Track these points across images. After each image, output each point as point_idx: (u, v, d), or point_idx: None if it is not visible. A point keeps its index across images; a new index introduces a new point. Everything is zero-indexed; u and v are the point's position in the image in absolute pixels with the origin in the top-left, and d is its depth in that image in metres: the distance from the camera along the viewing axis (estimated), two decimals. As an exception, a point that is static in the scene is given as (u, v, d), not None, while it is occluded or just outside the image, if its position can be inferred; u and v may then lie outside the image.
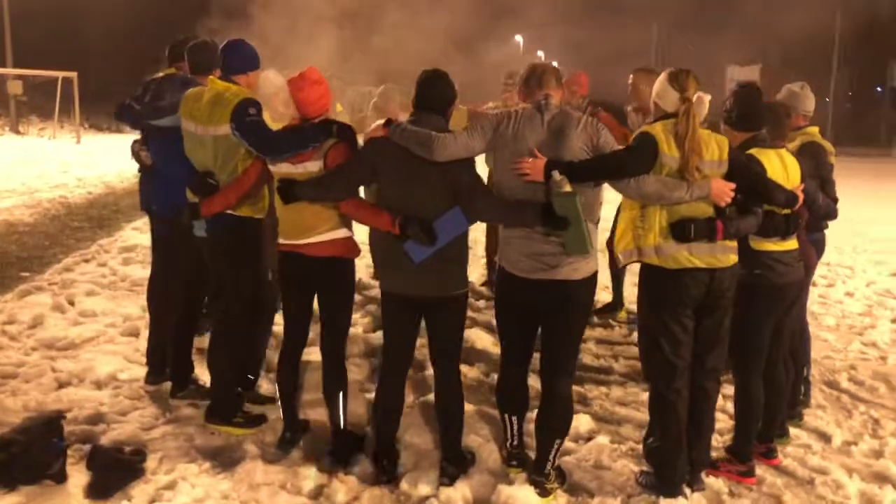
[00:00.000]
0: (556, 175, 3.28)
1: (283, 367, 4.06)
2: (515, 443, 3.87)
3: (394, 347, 3.73)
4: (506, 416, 3.83)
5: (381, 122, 3.63)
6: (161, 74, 4.75)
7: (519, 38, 72.71)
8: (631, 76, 5.97)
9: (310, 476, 3.78)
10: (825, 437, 4.39)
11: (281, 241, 3.90)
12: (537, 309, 3.53)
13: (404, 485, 3.70)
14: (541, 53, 70.04)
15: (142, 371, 4.97)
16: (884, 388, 5.19)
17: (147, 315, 5.12)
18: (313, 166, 3.74)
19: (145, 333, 5.60)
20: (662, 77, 3.59)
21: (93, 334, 5.72)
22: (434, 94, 3.58)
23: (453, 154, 3.40)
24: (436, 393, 3.79)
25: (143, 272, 7.41)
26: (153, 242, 4.99)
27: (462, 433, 3.84)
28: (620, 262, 3.65)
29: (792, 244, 3.82)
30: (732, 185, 3.48)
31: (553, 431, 3.62)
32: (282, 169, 3.82)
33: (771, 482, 3.87)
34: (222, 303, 4.25)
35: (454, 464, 3.77)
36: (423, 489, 3.67)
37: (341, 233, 3.82)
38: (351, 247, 3.86)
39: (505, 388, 3.80)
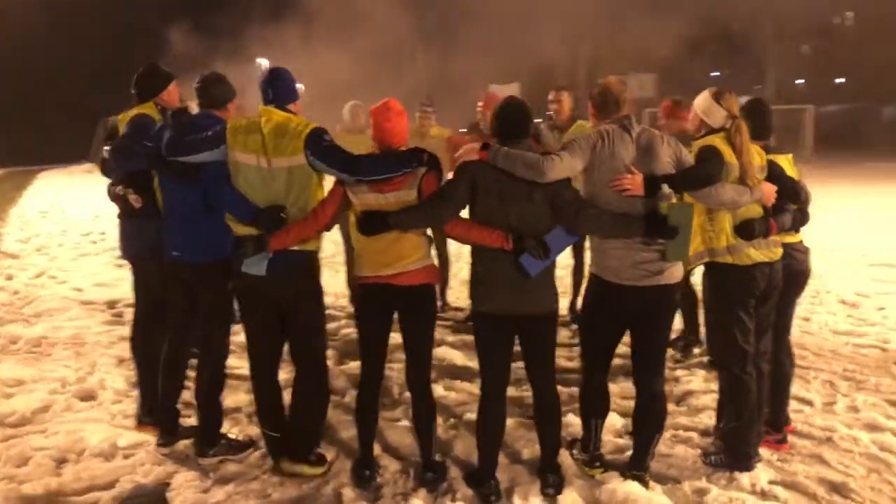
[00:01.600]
0: (667, 188, 3.58)
1: (363, 402, 3.96)
2: (598, 445, 4.08)
3: (495, 368, 3.79)
4: (592, 421, 4.03)
5: (476, 145, 3.69)
6: (139, 111, 4.41)
7: (263, 61, 72.96)
8: (553, 93, 6.45)
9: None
10: (808, 402, 5.05)
11: (364, 274, 3.82)
12: (635, 314, 3.78)
13: (517, 501, 3.78)
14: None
15: (139, 435, 4.53)
16: (811, 356, 6.03)
17: (91, 374, 4.98)
18: (407, 195, 3.71)
19: (105, 395, 5.15)
20: (707, 96, 4.02)
21: (41, 404, 5.06)
22: (519, 121, 3.72)
23: (560, 174, 3.57)
24: (536, 407, 3.89)
25: (31, 331, 6.66)
26: (145, 290, 4.60)
27: (560, 444, 3.99)
28: (690, 263, 4.01)
29: (800, 236, 4.40)
30: (775, 187, 3.98)
31: (654, 428, 3.89)
32: (367, 199, 3.74)
33: (801, 445, 4.42)
34: (299, 345, 4.03)
35: (555, 473, 3.91)
36: (535, 502, 3.77)
37: (429, 260, 3.83)
38: (436, 273, 3.88)
39: (591, 394, 4.00)
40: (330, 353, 6.05)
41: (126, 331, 6.56)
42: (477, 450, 3.90)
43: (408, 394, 4.93)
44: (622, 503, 3.73)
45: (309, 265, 3.94)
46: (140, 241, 4.52)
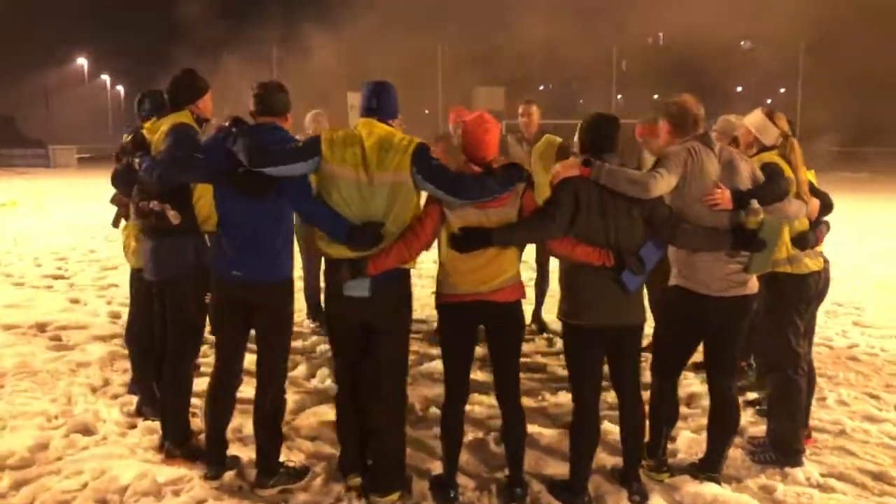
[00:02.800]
0: (755, 203, 3.77)
1: (449, 421, 3.89)
2: (665, 451, 4.22)
3: (592, 381, 3.83)
4: (662, 428, 4.16)
5: (576, 160, 3.73)
6: (179, 120, 4.12)
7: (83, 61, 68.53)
8: (523, 107, 6.61)
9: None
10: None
11: (457, 291, 3.74)
12: (717, 324, 3.95)
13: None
14: (105, 77, 66.86)
15: (174, 469, 4.20)
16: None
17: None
18: (508, 213, 3.69)
19: (106, 428, 4.82)
20: (761, 115, 4.27)
21: (35, 442, 4.55)
22: (610, 135, 3.80)
23: (662, 191, 3.68)
24: (623, 417, 3.96)
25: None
26: (177, 317, 4.28)
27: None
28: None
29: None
30: (818, 202, 4.31)
31: (730, 431, 4.08)
32: (468, 217, 3.68)
33: (822, 438, 4.77)
34: (380, 366, 3.87)
35: (638, 481, 4.00)
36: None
37: (520, 275, 3.83)
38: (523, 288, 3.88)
39: (664, 402, 4.13)
40: (303, 369, 5.89)
41: (78, 356, 6.14)
42: (570, 463, 3.92)
43: (434, 410, 4.94)
44: (711, 504, 3.88)
45: (408, 283, 3.83)
46: (177, 261, 4.20)
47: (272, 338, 3.99)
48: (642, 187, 3.62)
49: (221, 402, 4.13)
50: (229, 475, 4.15)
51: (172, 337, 4.30)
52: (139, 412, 4.96)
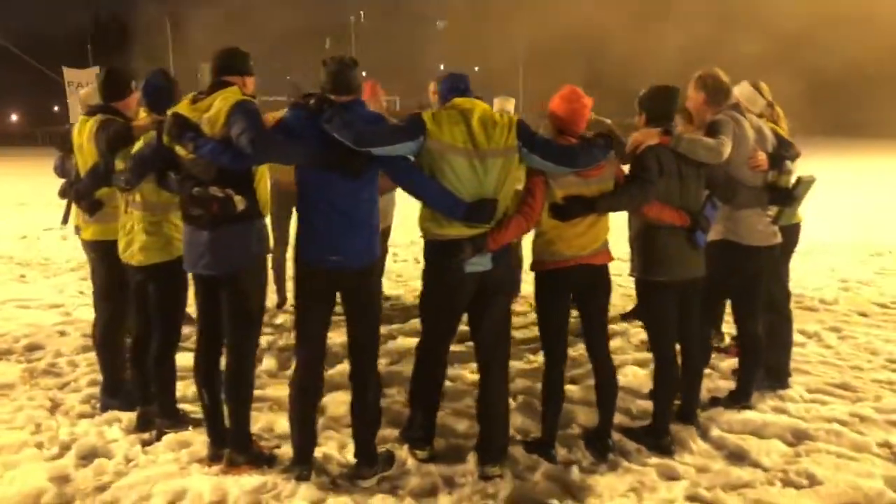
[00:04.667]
0: (789, 164, 4.35)
1: (552, 385, 4.06)
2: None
3: (672, 332, 4.18)
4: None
5: (654, 130, 4.01)
6: (240, 97, 3.77)
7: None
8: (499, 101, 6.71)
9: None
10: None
11: (561, 256, 3.89)
12: (756, 271, 4.49)
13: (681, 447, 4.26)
14: None
15: (249, 479, 3.90)
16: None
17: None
18: (608, 180, 3.89)
19: (120, 450, 4.26)
20: (748, 86, 4.85)
21: (49, 475, 3.93)
22: (672, 105, 4.15)
23: (727, 155, 4.11)
24: (686, 366, 4.34)
25: None
26: (237, 310, 3.93)
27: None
28: None
29: None
30: None
31: (759, 365, 4.68)
32: (570, 186, 3.83)
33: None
34: (497, 342, 3.90)
35: (698, 418, 4.45)
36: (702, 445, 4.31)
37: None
38: None
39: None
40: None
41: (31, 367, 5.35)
42: (654, 407, 4.26)
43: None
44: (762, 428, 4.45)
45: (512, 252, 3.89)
46: (242, 250, 3.85)
47: (370, 322, 3.85)
48: (716, 153, 4.02)
49: (310, 397, 3.89)
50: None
51: (233, 334, 3.93)
52: (154, 428, 4.44)
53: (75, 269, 9.24)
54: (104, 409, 4.74)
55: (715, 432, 4.39)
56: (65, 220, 4.87)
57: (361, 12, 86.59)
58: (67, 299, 7.71)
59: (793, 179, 4.49)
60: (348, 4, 71.81)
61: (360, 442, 3.91)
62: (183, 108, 3.83)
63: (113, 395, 4.77)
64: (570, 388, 4.75)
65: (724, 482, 3.85)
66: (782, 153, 4.48)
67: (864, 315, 6.94)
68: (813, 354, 5.78)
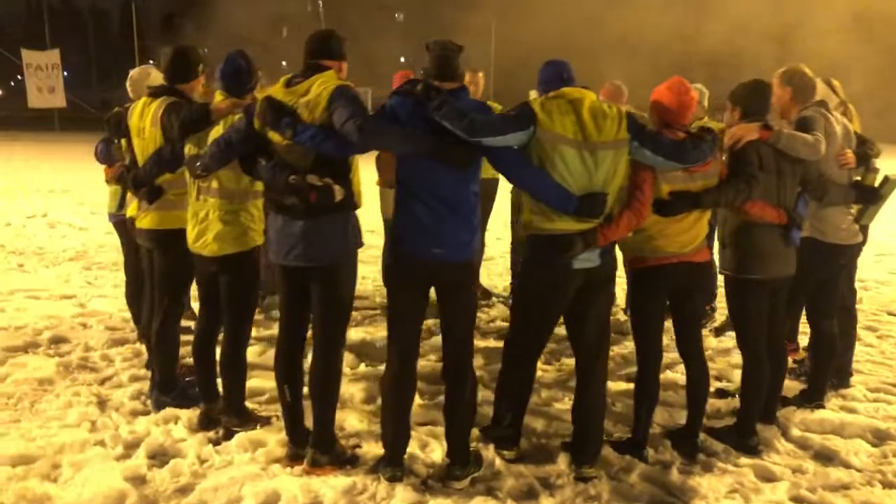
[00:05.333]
0: (875, 163, 4.32)
1: (653, 384, 3.98)
2: None
3: (759, 329, 4.11)
4: None
5: (754, 125, 3.93)
6: (340, 82, 3.60)
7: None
8: (470, 74, 6.59)
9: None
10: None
11: (664, 253, 3.80)
12: (838, 269, 4.46)
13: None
14: None
15: (339, 480, 3.75)
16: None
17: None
18: (713, 175, 3.81)
19: (190, 449, 4.06)
20: (821, 83, 4.80)
21: (124, 475, 3.73)
22: (767, 100, 4.08)
23: (824, 152, 4.06)
24: (772, 357, 4.28)
25: None
26: (332, 304, 3.76)
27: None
28: None
29: None
30: None
31: (832, 363, 4.65)
32: (676, 181, 3.74)
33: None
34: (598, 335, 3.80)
35: (776, 415, 4.41)
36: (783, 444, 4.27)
37: None
38: None
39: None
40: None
41: (29, 374, 5.05)
42: (742, 406, 4.21)
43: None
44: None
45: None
46: (339, 241, 3.68)
47: (468, 316, 3.72)
48: (815, 150, 3.97)
49: (406, 394, 3.74)
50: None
51: (323, 329, 3.76)
52: (219, 427, 4.25)
53: (74, 259, 8.89)
54: (158, 406, 4.51)
55: (795, 432, 4.35)
56: (121, 207, 4.61)
57: (320, 1, 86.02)
58: (77, 290, 7.39)
59: (879, 178, 4.46)
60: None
61: (454, 442, 3.78)
62: (276, 91, 3.64)
63: (167, 391, 4.55)
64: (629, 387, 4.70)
65: (822, 483, 3.81)
66: (866, 151, 4.45)
67: (892, 314, 6.99)
68: (860, 354, 5.78)
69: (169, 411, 4.44)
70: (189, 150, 4.03)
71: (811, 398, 4.65)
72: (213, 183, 3.97)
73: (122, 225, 5.41)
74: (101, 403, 4.63)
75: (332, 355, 3.79)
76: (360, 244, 3.79)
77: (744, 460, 4.03)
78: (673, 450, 4.10)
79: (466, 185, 3.55)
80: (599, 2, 25.93)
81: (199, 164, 3.89)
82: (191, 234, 4.09)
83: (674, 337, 4.09)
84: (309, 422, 3.89)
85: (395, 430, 3.74)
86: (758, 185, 3.85)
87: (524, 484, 3.77)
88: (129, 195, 4.71)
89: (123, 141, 4.75)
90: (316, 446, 3.84)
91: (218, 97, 4.04)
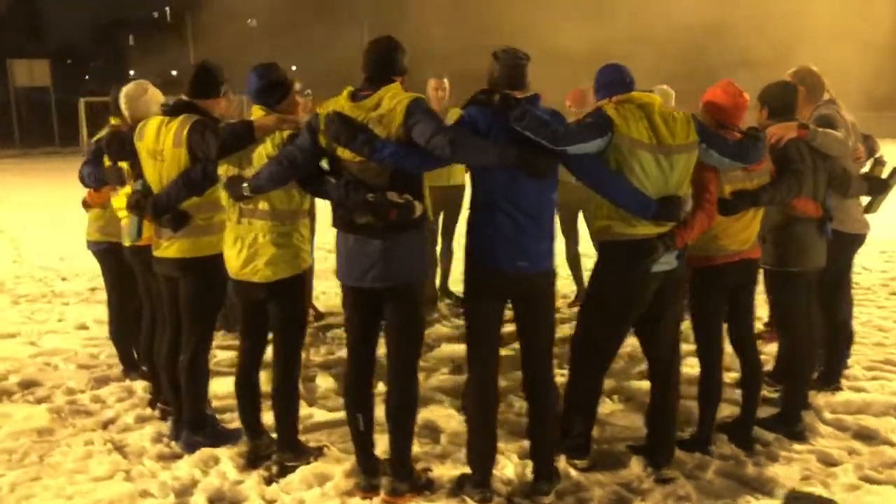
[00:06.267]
0: (883, 157, 4.60)
1: (712, 384, 4.05)
2: None
3: (802, 320, 4.28)
4: None
5: (792, 124, 4.08)
6: (412, 95, 3.48)
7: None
8: (435, 81, 6.57)
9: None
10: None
11: (726, 251, 3.89)
12: (852, 259, 4.70)
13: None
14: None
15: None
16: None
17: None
18: (764, 175, 3.93)
19: (251, 490, 3.83)
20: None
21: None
22: (792, 102, 4.26)
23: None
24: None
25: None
26: (408, 323, 3.62)
27: None
28: None
29: None
30: None
31: (848, 346, 4.90)
32: (736, 181, 3.83)
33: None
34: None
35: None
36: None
37: None
38: None
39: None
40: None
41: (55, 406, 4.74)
42: (786, 395, 4.38)
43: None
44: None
45: None
46: (416, 258, 3.56)
47: (549, 328, 3.67)
48: (845, 147, 4.19)
49: (491, 409, 3.65)
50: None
51: (400, 352, 3.61)
52: (269, 463, 3.99)
53: (9, 290, 8.15)
54: (190, 447, 4.19)
55: (827, 415, 4.55)
56: (139, 235, 4.21)
57: (167, 8, 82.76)
58: (18, 327, 6.73)
59: (887, 170, 4.74)
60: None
61: (540, 457, 3.72)
62: (342, 106, 3.46)
63: (197, 430, 4.23)
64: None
65: (881, 462, 4.00)
66: (870, 145, 4.73)
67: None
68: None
69: (205, 452, 4.13)
70: (227, 170, 3.77)
71: (829, 381, 4.89)
72: (262, 204, 3.72)
73: (110, 253, 5.01)
74: (120, 450, 4.26)
75: (410, 380, 3.65)
76: (435, 262, 3.66)
77: (797, 447, 4.18)
78: (730, 443, 4.19)
79: (547, 195, 3.52)
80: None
81: (246, 184, 3.64)
82: (235, 261, 3.81)
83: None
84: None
85: (482, 448, 3.65)
86: (806, 180, 4.01)
87: (610, 492, 3.76)
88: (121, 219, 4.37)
89: (125, 164, 4.38)
90: (395, 475, 3.68)
91: (258, 112, 3.79)
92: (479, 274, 3.54)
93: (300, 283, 3.86)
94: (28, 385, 5.26)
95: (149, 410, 4.77)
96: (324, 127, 3.45)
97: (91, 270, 9.05)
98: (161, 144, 3.96)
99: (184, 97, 4.06)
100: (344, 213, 3.51)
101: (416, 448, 4.17)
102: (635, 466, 3.95)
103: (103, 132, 4.92)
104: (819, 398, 4.75)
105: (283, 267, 3.76)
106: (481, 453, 3.64)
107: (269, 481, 3.87)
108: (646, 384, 4.93)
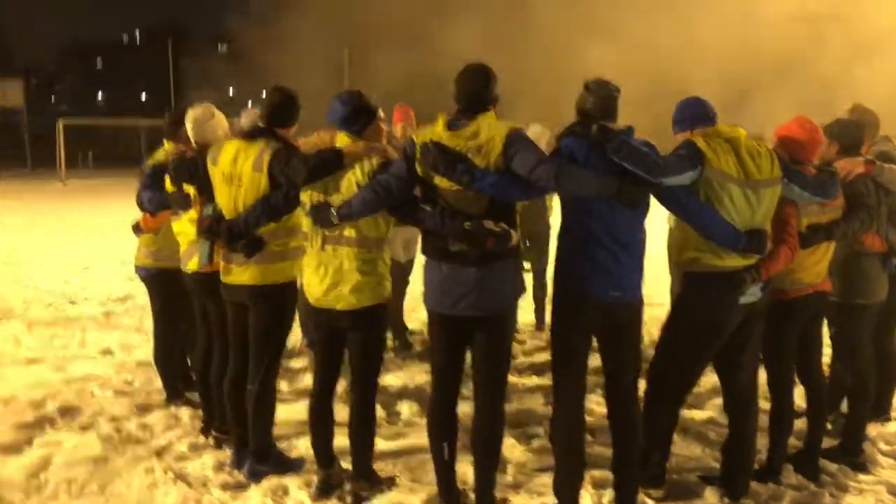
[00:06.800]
0: None
1: (786, 407, 4.10)
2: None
3: (866, 352, 4.36)
4: None
5: (860, 160, 4.18)
6: (511, 125, 3.50)
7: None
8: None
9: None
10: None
11: (800, 285, 3.96)
12: None
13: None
14: None
15: None
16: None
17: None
18: (837, 210, 4.02)
19: None
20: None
21: None
22: (859, 138, 4.36)
23: None
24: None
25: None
26: (499, 349, 3.61)
27: None
28: None
29: None
30: None
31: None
32: (812, 216, 3.91)
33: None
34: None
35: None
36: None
37: None
38: None
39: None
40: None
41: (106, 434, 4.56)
42: (848, 427, 4.41)
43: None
44: None
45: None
46: (510, 286, 3.57)
47: (636, 356, 3.69)
48: None
49: (582, 442, 3.65)
50: None
51: (489, 382, 3.60)
52: (343, 493, 3.94)
53: (4, 318, 7.95)
54: (254, 476, 4.13)
55: (882, 446, 4.62)
56: (210, 261, 4.15)
57: (137, 30, 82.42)
58: (42, 352, 6.59)
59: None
60: (118, 22, 69.27)
61: (626, 488, 3.71)
62: (439, 135, 3.48)
63: (263, 460, 4.16)
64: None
65: (949, 491, 4.07)
66: None
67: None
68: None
69: (275, 481, 4.07)
70: (311, 196, 3.75)
71: (878, 413, 4.96)
72: (348, 231, 3.70)
73: (161, 279, 4.95)
74: (183, 479, 4.17)
75: (498, 410, 3.64)
76: (524, 290, 3.66)
77: (863, 477, 4.24)
78: (796, 473, 4.23)
79: (639, 225, 3.56)
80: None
81: (334, 211, 3.63)
82: (317, 288, 3.78)
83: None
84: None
85: (571, 477, 3.63)
86: (876, 214, 4.10)
87: None
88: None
89: (192, 188, 4.34)
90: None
91: (344, 139, 3.79)
92: (570, 302, 3.56)
93: (383, 312, 3.84)
94: (67, 412, 5.14)
95: (202, 438, 4.68)
96: (420, 155, 3.46)
97: (102, 294, 9.02)
98: (239, 169, 3.93)
99: (260, 123, 4.05)
100: (437, 241, 3.50)
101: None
102: (710, 496, 3.96)
103: (159, 155, 4.88)
104: (871, 429, 4.82)
105: (367, 294, 3.74)
106: (570, 482, 3.63)
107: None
108: (697, 413, 5.03)
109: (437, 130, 3.49)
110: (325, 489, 3.97)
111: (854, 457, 4.36)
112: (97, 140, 46.09)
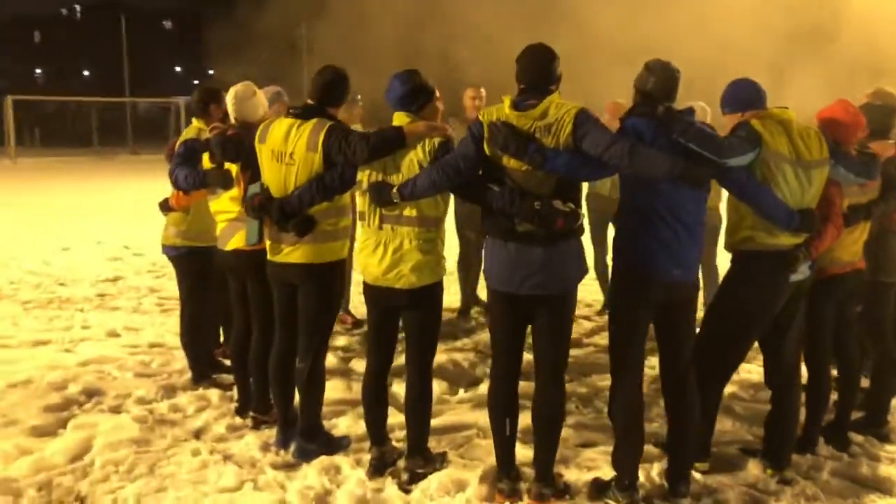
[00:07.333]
0: None
1: (823, 381, 4.25)
2: None
3: (891, 329, 4.54)
4: None
5: (891, 142, 4.33)
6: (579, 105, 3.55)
7: None
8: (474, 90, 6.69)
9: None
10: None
11: (840, 263, 4.10)
12: None
13: None
14: None
15: None
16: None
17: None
18: (875, 190, 4.16)
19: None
20: None
21: None
22: (892, 122, 4.51)
23: None
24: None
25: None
26: (562, 331, 3.67)
27: None
28: None
29: None
30: None
31: None
32: (852, 196, 4.05)
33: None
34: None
35: None
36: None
37: None
38: None
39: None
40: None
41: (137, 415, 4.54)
42: (874, 399, 4.59)
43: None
44: None
45: None
46: (577, 265, 3.62)
47: (691, 338, 3.78)
48: None
49: (640, 417, 3.73)
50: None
51: (552, 360, 3.66)
52: (397, 471, 3.97)
53: (9, 297, 7.76)
54: (304, 455, 4.12)
55: (898, 418, 4.83)
56: (259, 239, 4.10)
57: (77, 6, 79.84)
58: (47, 334, 6.44)
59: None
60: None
61: (680, 461, 3.82)
62: (508, 115, 3.49)
63: (312, 439, 4.17)
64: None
65: (976, 459, 4.27)
66: None
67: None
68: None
69: (326, 460, 4.08)
70: (370, 175, 3.75)
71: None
72: (409, 210, 3.70)
73: (191, 258, 4.90)
74: (228, 459, 4.15)
75: (561, 388, 3.70)
76: (587, 270, 3.72)
77: (889, 447, 4.42)
78: (826, 444, 4.39)
79: (702, 205, 3.64)
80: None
81: (396, 190, 3.63)
82: (376, 268, 3.78)
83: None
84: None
85: (631, 453, 3.72)
86: None
87: (741, 493, 3.88)
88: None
89: (234, 166, 4.29)
90: (541, 479, 3.72)
91: (403, 118, 3.78)
92: (633, 281, 3.63)
93: (441, 291, 3.87)
94: (92, 394, 5.05)
95: (238, 419, 4.65)
96: (489, 135, 3.48)
97: (90, 275, 8.82)
98: (290, 147, 3.89)
99: (310, 101, 4.01)
100: (503, 220, 3.53)
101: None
102: (753, 468, 4.09)
103: (190, 132, 4.80)
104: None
105: (427, 273, 3.75)
106: (631, 457, 3.72)
107: (401, 488, 3.84)
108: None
109: (505, 110, 3.51)
110: (379, 467, 3.99)
111: (879, 427, 4.55)
112: (44, 118, 44.78)
